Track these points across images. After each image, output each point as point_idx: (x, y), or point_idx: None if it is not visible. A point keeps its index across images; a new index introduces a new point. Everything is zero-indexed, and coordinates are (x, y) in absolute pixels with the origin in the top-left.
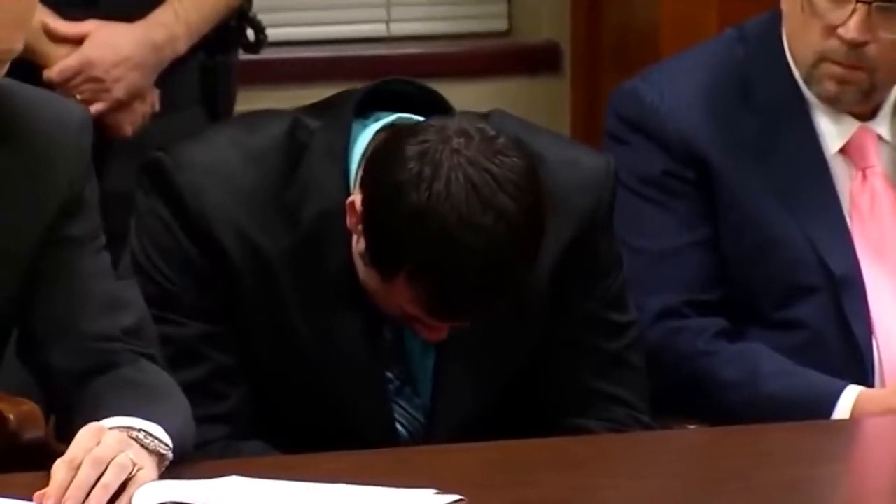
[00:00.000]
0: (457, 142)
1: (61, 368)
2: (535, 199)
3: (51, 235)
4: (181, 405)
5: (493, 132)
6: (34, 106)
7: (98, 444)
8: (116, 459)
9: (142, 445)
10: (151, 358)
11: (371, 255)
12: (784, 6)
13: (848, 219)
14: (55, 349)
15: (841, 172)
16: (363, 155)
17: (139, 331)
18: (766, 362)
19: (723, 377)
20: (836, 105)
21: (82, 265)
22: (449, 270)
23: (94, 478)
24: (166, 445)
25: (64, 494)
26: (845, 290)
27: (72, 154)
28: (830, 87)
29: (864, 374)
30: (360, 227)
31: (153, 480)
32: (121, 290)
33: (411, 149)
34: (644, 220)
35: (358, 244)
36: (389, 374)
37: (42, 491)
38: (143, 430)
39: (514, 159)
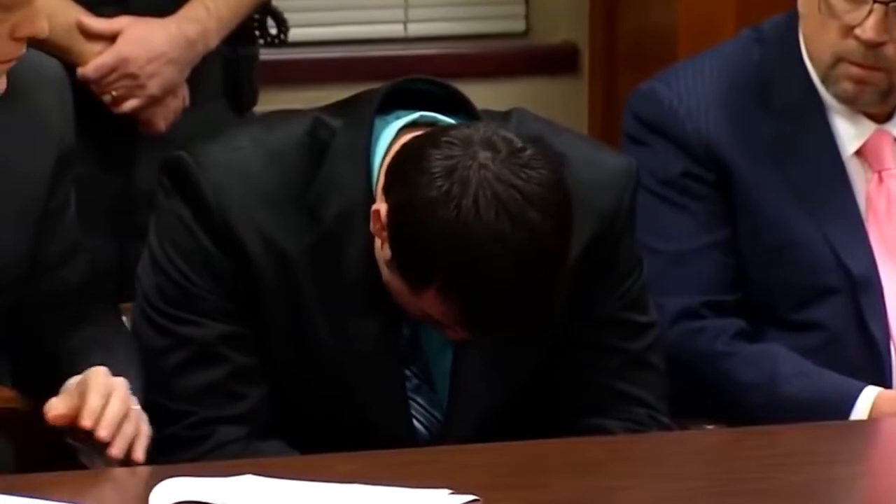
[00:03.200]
0: (483, 156)
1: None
2: (564, 211)
3: (53, 192)
4: (130, 350)
5: (519, 143)
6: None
7: (112, 390)
8: (135, 409)
9: None
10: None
11: (399, 267)
12: (801, 7)
13: (864, 221)
14: (54, 310)
15: (857, 174)
16: (385, 153)
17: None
18: (783, 363)
19: (740, 378)
20: (853, 105)
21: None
22: (480, 288)
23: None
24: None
25: (94, 420)
26: (864, 291)
27: (58, 109)
28: (848, 87)
29: (881, 374)
30: (384, 234)
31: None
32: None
33: (438, 163)
34: (663, 221)
35: (383, 250)
36: (408, 372)
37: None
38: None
39: (542, 171)
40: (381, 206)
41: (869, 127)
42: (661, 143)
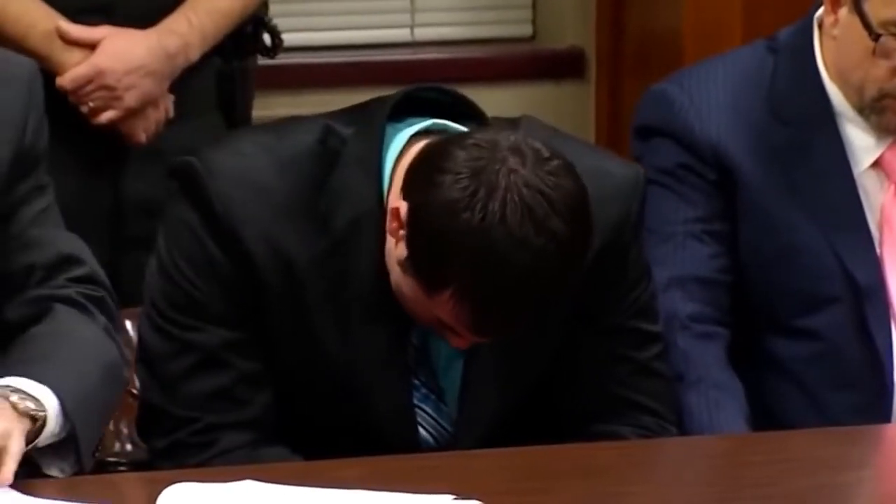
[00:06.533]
0: (512, 161)
1: (11, 322)
2: (586, 223)
3: (9, 188)
4: (84, 358)
5: (546, 153)
6: None
7: None
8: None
9: (13, 407)
10: (99, 301)
11: (415, 267)
12: (837, 32)
13: (878, 231)
14: (10, 305)
15: (873, 185)
16: (397, 159)
17: (91, 277)
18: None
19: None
20: (891, 133)
21: (38, 216)
22: (498, 292)
23: None
24: (40, 408)
25: None
26: (869, 302)
27: (23, 104)
28: (892, 120)
29: (882, 385)
30: (401, 233)
31: (21, 449)
32: (71, 242)
33: (464, 164)
34: (659, 205)
35: (397, 250)
36: (416, 381)
37: None
38: (20, 392)
39: (568, 181)
40: (400, 203)
41: (886, 138)
42: (669, 142)
